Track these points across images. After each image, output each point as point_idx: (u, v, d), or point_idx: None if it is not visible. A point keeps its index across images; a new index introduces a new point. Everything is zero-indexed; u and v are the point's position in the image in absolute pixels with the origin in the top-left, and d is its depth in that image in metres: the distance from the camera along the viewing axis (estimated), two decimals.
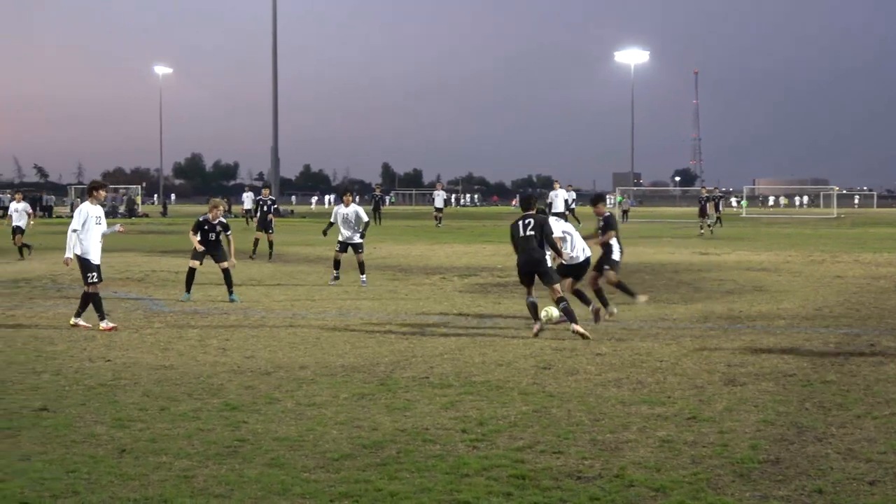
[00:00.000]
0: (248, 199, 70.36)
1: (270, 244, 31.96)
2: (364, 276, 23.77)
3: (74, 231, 16.40)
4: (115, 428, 9.46)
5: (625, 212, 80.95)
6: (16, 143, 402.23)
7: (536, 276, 15.98)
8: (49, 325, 16.63)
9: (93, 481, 7.71)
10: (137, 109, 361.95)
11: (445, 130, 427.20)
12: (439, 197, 64.51)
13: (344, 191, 25.61)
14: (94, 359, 13.37)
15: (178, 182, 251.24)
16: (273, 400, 10.77)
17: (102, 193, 17.37)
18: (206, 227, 20.47)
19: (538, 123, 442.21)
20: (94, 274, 16.48)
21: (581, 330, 15.21)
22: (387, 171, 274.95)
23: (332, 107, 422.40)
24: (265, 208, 32.44)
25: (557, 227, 17.16)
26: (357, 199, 26.38)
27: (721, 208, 54.00)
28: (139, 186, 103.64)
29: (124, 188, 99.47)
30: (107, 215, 19.47)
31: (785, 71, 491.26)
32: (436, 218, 60.89)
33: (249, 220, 62.26)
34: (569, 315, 15.45)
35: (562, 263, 17.01)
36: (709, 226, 51.39)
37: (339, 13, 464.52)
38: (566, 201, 44.80)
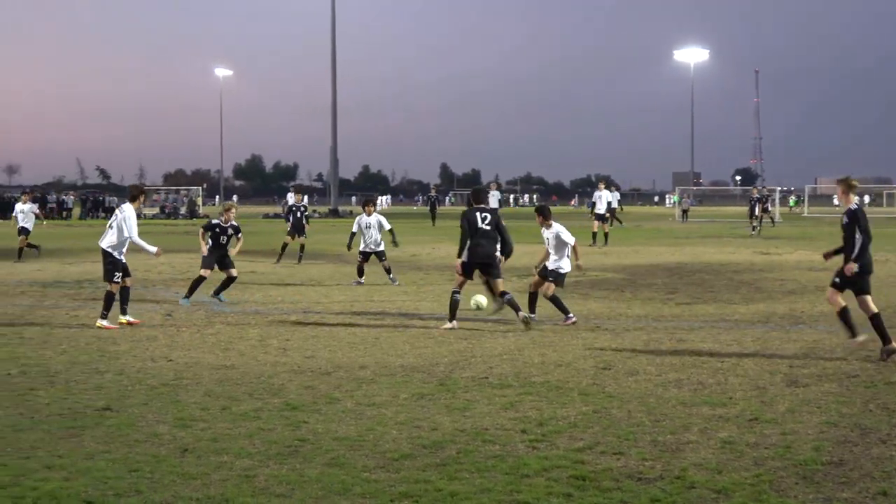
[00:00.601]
0: (291, 198, 70.29)
1: (302, 247, 31.56)
2: (392, 275, 24.25)
3: (133, 239, 16.92)
4: (177, 427, 9.53)
5: (684, 211, 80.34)
6: (78, 145, 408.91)
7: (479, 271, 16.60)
8: (112, 325, 16.77)
9: (155, 480, 7.78)
10: (198, 111, 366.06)
11: (504, 130, 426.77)
12: (493, 198, 64.27)
13: (365, 201, 25.55)
14: (156, 359, 13.49)
15: (238, 183, 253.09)
16: (333, 400, 10.81)
17: (143, 199, 17.92)
18: (217, 230, 20.55)
19: (597, 123, 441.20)
20: (121, 274, 16.87)
21: (526, 315, 16.13)
22: (445, 172, 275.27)
23: (391, 107, 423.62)
24: (298, 214, 32.09)
25: (568, 235, 17.54)
26: (377, 204, 26.12)
27: (769, 208, 53.33)
28: (200, 188, 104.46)
29: (185, 189, 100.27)
30: (168, 216, 19.78)
31: (847, 69, 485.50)
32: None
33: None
34: (514, 306, 16.20)
35: (545, 267, 17.49)
36: (753, 227, 50.82)
37: (399, 14, 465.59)
38: (609, 203, 44.33)
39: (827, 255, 14.38)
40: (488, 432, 9.33)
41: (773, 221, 54.71)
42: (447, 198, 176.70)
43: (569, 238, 17.42)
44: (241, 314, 18.23)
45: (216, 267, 20.26)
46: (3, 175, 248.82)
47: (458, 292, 16.66)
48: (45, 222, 35.11)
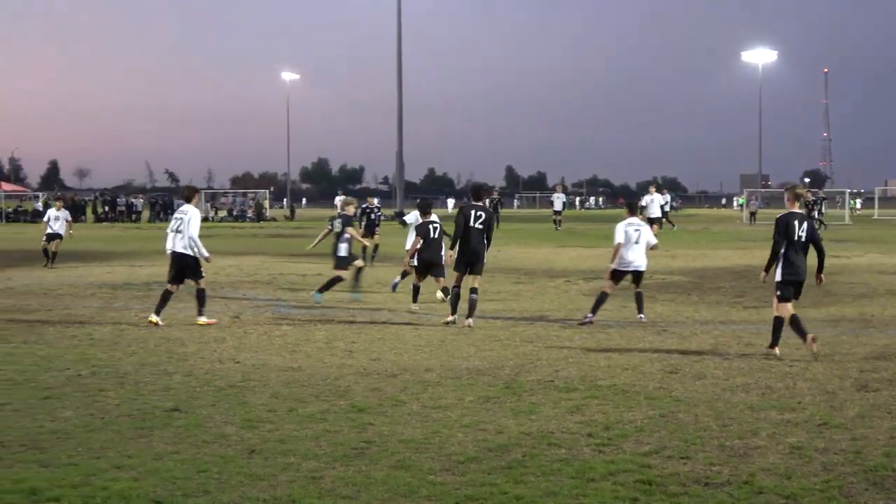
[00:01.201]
0: (339, 202, 70.01)
1: (375, 247, 31.81)
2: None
3: (192, 237, 17.29)
4: (244, 429, 9.60)
5: (752, 214, 79.55)
6: (148, 148, 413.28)
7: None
8: (181, 326, 16.96)
9: (223, 481, 7.84)
10: (266, 115, 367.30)
11: (569, 132, 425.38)
12: (558, 200, 64.04)
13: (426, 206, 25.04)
14: (224, 360, 13.60)
15: (304, 186, 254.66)
16: (399, 402, 10.83)
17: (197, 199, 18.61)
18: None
19: (663, 124, 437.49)
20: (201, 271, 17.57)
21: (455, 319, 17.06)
22: (510, 174, 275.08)
23: (457, 109, 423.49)
24: (372, 216, 32.25)
25: (647, 232, 18.25)
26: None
27: (818, 213, 52.54)
28: (267, 191, 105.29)
29: (252, 192, 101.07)
30: (235, 219, 20.13)
31: None
32: (554, 221, 60.48)
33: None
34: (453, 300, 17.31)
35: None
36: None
37: (464, 15, 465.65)
38: (661, 206, 43.83)
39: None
40: (554, 436, 9.31)
41: (823, 225, 53.27)
42: (514, 200, 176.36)
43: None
44: (307, 316, 18.33)
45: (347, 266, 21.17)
46: (73, 178, 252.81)
47: (458, 287, 17.28)
48: (73, 233, 34.85)
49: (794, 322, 13.83)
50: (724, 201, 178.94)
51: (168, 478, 7.91)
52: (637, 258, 17.87)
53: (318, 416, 10.17)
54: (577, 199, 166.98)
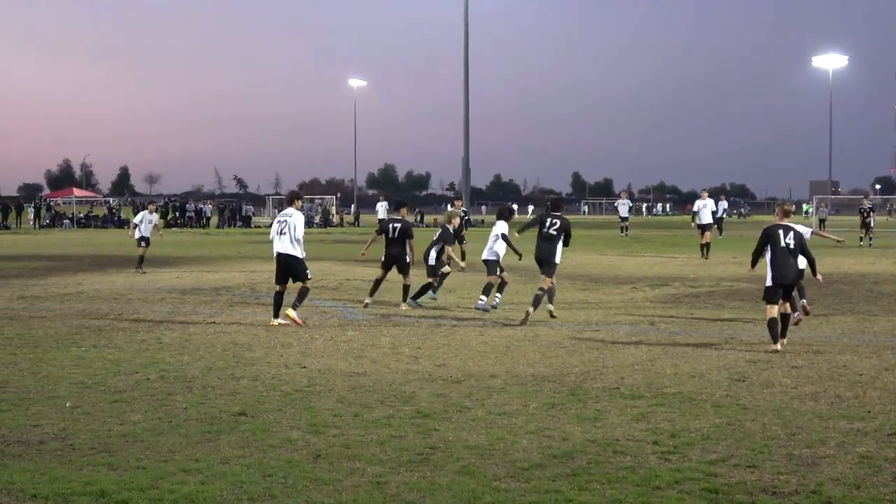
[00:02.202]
0: (381, 208, 69.15)
1: (463, 253, 32.30)
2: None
3: (297, 239, 18.05)
4: (310, 433, 9.66)
5: (821, 221, 78.62)
6: (216, 154, 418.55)
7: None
8: (248, 331, 17.10)
9: (289, 485, 7.89)
10: (333, 121, 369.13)
11: (637, 138, 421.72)
12: (623, 206, 63.60)
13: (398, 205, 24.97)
14: (290, 365, 13.70)
15: (371, 192, 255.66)
16: (464, 408, 10.84)
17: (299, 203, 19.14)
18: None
19: (732, 130, 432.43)
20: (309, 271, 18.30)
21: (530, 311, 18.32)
22: (577, 180, 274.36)
23: (523, 115, 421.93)
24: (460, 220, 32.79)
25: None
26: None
27: (870, 222, 51.86)
28: (333, 197, 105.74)
29: (319, 198, 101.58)
30: (306, 224, 20.54)
31: None
32: (621, 228, 60.14)
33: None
34: (536, 300, 18.65)
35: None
36: (861, 239, 49.09)
37: (531, 22, 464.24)
38: (714, 213, 43.02)
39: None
40: (619, 443, 9.27)
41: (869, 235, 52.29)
42: (582, 206, 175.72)
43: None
44: (373, 322, 18.41)
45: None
46: (143, 184, 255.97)
47: (542, 290, 18.97)
48: (162, 235, 35.54)
49: (772, 324, 15.12)
50: (793, 208, 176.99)
51: (235, 482, 7.98)
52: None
53: (383, 421, 10.21)
54: (644, 205, 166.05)
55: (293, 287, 18.28)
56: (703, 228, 37.80)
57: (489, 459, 8.68)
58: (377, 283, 21.07)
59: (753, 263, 16.06)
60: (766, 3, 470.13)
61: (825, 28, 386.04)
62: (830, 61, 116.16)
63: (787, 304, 15.52)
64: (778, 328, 15.13)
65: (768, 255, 15.35)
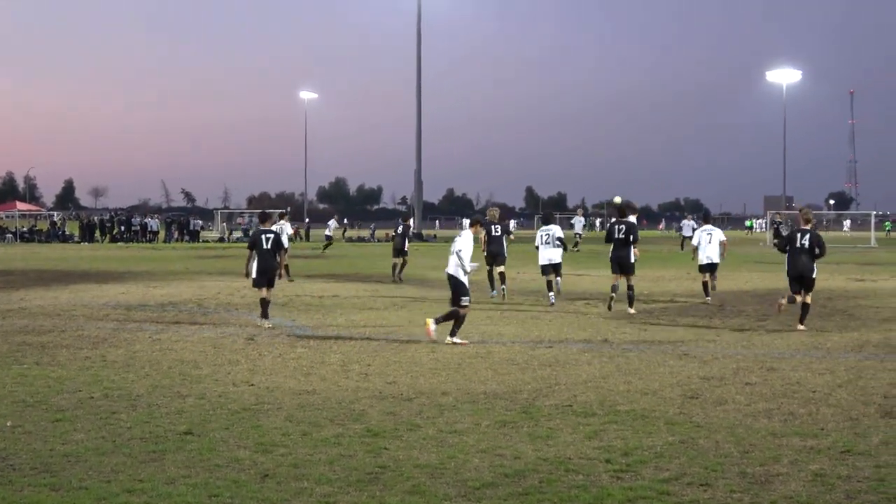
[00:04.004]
0: (332, 224, 68.54)
1: (402, 265, 33.81)
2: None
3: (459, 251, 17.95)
4: (257, 452, 9.61)
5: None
6: (163, 167, 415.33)
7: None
8: (195, 348, 16.99)
9: None
10: (283, 134, 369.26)
11: (590, 153, 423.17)
12: (578, 223, 64.44)
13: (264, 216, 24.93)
14: (237, 383, 13.62)
15: (322, 206, 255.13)
16: (414, 426, 10.83)
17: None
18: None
19: (686, 145, 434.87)
20: (468, 298, 17.95)
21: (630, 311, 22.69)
22: (531, 195, 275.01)
23: (477, 128, 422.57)
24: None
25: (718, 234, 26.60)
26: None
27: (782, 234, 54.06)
28: (284, 211, 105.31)
29: (274, 212, 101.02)
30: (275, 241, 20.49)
31: None
32: (575, 244, 60.48)
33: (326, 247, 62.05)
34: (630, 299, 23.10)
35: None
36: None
37: (483, 36, 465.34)
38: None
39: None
40: (572, 461, 9.29)
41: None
42: (536, 221, 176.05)
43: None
44: (323, 339, 18.34)
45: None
46: (89, 198, 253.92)
47: (616, 284, 23.49)
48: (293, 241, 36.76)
49: (792, 301, 20.13)
50: (746, 223, 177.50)
51: (180, 502, 7.93)
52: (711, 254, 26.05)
53: (333, 440, 10.18)
54: (598, 220, 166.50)
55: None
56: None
57: (440, 479, 8.68)
58: (265, 302, 20.60)
59: (782, 251, 20.82)
60: (717, 19, 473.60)
61: (778, 43, 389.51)
62: (784, 76, 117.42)
63: (807, 297, 19.99)
64: (807, 310, 19.96)
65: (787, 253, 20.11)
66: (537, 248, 25.75)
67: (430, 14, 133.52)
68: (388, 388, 13.19)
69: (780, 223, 57.68)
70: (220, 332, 18.96)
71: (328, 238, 62.80)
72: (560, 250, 25.64)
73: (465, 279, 17.87)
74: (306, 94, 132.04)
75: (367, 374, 14.42)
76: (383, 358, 15.95)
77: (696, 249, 26.22)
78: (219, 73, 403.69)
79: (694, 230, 51.60)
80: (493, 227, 26.71)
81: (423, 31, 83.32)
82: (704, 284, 26.08)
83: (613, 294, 23.18)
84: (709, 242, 26.26)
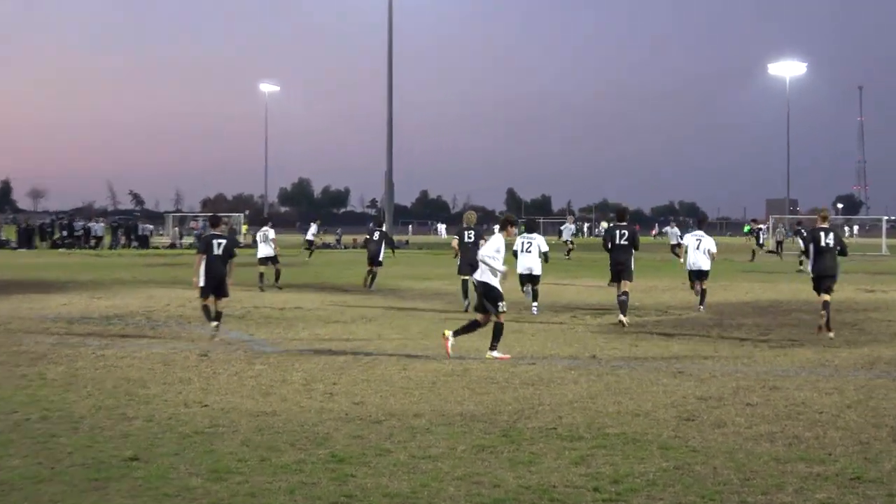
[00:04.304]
0: (313, 228, 68.57)
1: (373, 276, 34.17)
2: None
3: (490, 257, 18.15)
4: (211, 480, 9.56)
5: (779, 243, 79.56)
6: (110, 167, 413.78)
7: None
8: (142, 365, 16.91)
9: None
10: (241, 131, 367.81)
11: (577, 153, 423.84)
12: (567, 230, 64.76)
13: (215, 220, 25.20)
14: (189, 404, 13.56)
15: (284, 209, 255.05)
16: (384, 451, 10.79)
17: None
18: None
19: (682, 144, 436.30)
20: (504, 303, 18.12)
21: (623, 319, 23.07)
22: (512, 198, 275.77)
23: (452, 127, 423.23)
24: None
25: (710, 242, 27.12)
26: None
27: (762, 242, 56.17)
28: (242, 215, 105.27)
29: (226, 216, 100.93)
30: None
31: None
32: (568, 252, 60.87)
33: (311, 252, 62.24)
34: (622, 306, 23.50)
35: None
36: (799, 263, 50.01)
37: (461, 29, 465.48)
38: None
39: None
40: (556, 490, 9.27)
41: (753, 255, 59.25)
42: (519, 226, 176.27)
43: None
44: (284, 355, 18.28)
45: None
46: (27, 200, 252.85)
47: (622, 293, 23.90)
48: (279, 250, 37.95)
49: (824, 306, 20.74)
50: (829, 214, 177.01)
51: None
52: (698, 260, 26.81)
53: (294, 466, 10.13)
54: (586, 224, 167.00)
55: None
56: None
57: None
58: (208, 309, 20.93)
59: (807, 256, 21.94)
60: (713, 7, 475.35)
61: (780, 34, 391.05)
62: (787, 69, 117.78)
63: (829, 296, 20.94)
64: (829, 311, 20.71)
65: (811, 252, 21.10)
66: (515, 254, 25.99)
67: (403, 4, 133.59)
68: (355, 409, 13.15)
69: (760, 229, 59.05)
70: (170, 347, 18.88)
71: (309, 243, 62.89)
72: (540, 261, 26.31)
73: (498, 283, 18.09)
74: (267, 87, 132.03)
75: (332, 393, 14.38)
76: (350, 376, 15.91)
77: (684, 252, 27.20)
78: (172, 64, 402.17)
79: (679, 238, 53.73)
80: (466, 232, 27.04)
81: (395, 22, 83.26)
82: (693, 287, 27.33)
83: (624, 314, 23.41)
84: (696, 248, 27.01)
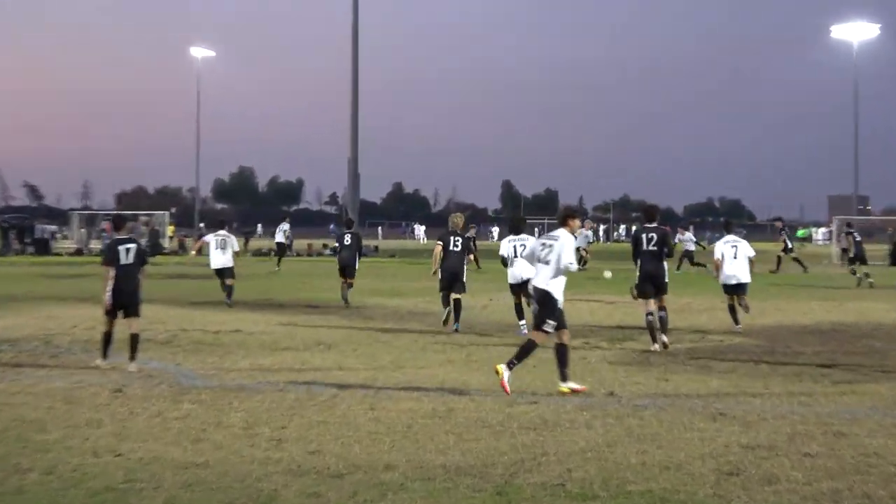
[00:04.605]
0: (281, 231, 69.00)
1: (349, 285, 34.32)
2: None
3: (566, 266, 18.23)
4: None
5: (844, 250, 79.79)
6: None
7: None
8: (40, 403, 16.88)
9: None
10: (165, 108, 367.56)
11: (592, 138, 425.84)
12: (583, 238, 64.68)
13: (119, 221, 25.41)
14: (99, 452, 13.54)
15: (220, 206, 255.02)
16: None
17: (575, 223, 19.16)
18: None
19: (721, 127, 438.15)
20: (556, 324, 18.16)
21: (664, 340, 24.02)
22: (508, 192, 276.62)
23: (436, 106, 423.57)
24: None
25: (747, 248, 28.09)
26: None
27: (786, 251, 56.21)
28: (167, 213, 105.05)
29: (146, 215, 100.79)
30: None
31: None
32: (583, 262, 60.90)
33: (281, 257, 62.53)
34: (663, 324, 24.20)
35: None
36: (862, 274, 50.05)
37: None
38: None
39: None
40: None
41: (778, 264, 59.44)
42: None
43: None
44: (219, 390, 18.25)
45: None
46: None
47: (651, 314, 24.15)
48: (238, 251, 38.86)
49: None
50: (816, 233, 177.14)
51: None
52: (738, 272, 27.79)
53: None
54: (602, 228, 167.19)
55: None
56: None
57: None
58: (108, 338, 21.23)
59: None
60: None
61: None
62: (855, 31, 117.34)
63: None
64: None
65: None
66: (504, 261, 26.40)
67: None
68: (309, 460, 13.16)
69: (782, 229, 59.49)
70: (75, 380, 18.83)
71: (280, 247, 63.07)
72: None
73: (560, 296, 18.20)
74: (199, 52, 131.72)
75: (280, 439, 14.37)
76: (303, 418, 15.89)
77: (718, 266, 27.45)
78: (82, 28, 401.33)
79: (696, 244, 54.94)
80: (452, 238, 27.73)
81: None
82: (731, 308, 27.92)
83: (659, 335, 24.02)
84: (734, 258, 27.81)
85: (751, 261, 27.91)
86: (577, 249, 62.08)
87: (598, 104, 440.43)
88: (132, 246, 20.96)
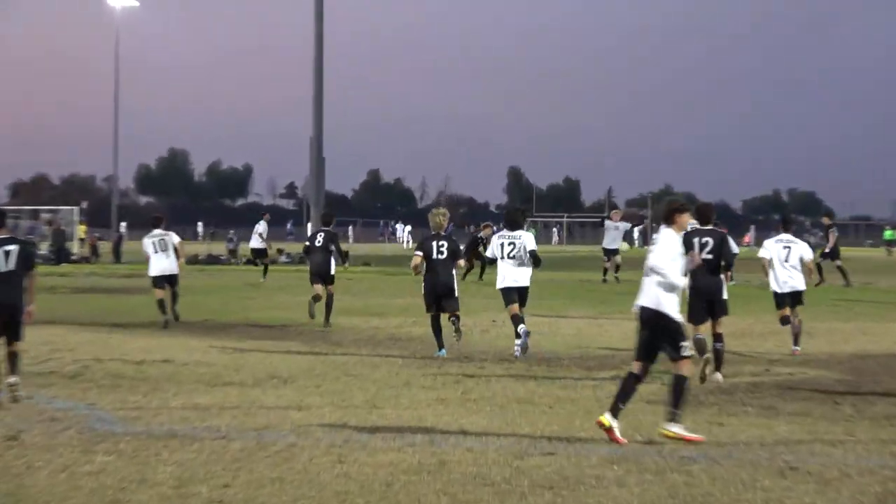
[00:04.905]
0: (258, 233, 69.08)
1: (328, 298, 34.52)
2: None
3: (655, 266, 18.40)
4: None
5: None
6: None
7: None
8: None
9: None
10: (75, 75, 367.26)
11: (625, 116, 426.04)
12: (613, 233, 63.93)
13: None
14: None
15: (145, 200, 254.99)
16: None
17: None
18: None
19: (786, 108, 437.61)
20: (689, 343, 18.52)
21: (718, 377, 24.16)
22: (517, 182, 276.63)
23: (420, 75, 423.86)
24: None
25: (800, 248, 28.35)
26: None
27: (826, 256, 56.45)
28: (76, 208, 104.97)
29: (49, 211, 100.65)
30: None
31: None
32: (604, 269, 60.58)
33: (259, 261, 62.79)
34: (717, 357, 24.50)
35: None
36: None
37: None
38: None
39: None
40: None
41: (820, 273, 55.58)
42: (528, 228, 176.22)
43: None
44: (143, 437, 18.18)
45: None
46: None
47: (699, 332, 23.86)
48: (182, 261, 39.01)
49: None
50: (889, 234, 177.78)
51: None
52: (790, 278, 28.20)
53: None
54: (637, 227, 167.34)
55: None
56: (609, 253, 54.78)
57: None
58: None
59: None
60: None
61: None
62: None
63: None
64: None
65: None
66: (492, 261, 27.26)
67: None
68: None
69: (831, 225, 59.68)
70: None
71: (258, 253, 63.10)
72: (529, 269, 27.63)
73: (678, 315, 18.11)
74: (119, 1, 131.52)
75: (221, 501, 14.33)
76: (252, 473, 15.83)
77: (767, 269, 27.58)
78: None
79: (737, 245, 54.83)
80: (435, 244, 27.91)
81: None
82: (783, 319, 28.21)
83: (707, 353, 23.46)
84: (785, 260, 28.14)
85: (806, 265, 28.33)
86: (611, 252, 62.39)
87: (628, 82, 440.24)
88: (13, 248, 20.71)
